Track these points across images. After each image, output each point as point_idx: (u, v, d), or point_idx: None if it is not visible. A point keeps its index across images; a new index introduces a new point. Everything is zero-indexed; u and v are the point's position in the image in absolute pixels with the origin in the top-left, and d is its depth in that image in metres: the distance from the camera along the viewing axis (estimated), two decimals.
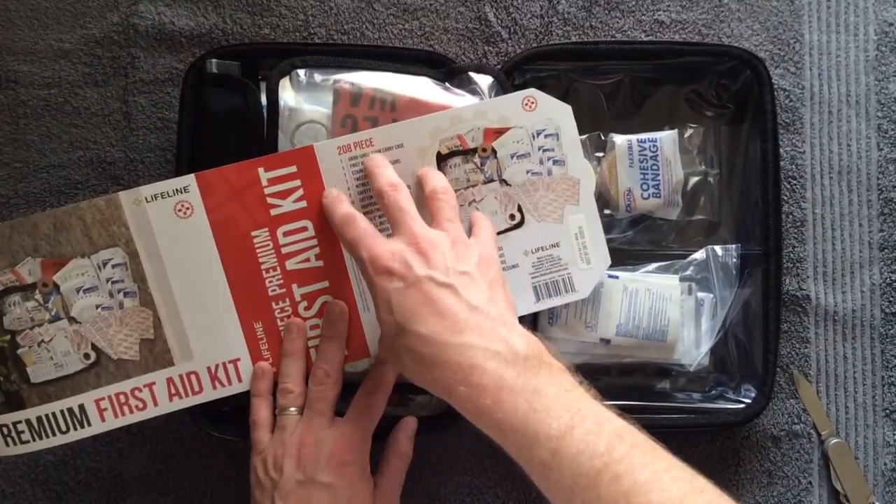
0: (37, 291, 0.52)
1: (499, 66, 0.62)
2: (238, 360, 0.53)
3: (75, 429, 0.52)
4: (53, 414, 0.52)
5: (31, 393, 0.52)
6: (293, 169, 0.53)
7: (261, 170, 0.52)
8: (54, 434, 0.52)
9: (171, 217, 0.52)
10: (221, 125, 0.58)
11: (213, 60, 0.59)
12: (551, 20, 0.65)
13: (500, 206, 0.55)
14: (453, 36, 0.64)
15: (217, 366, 0.53)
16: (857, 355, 0.65)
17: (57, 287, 0.52)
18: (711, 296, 0.61)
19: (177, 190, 0.52)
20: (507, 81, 0.59)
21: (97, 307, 0.52)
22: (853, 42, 0.66)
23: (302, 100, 0.56)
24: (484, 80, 0.59)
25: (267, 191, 0.52)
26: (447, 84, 0.58)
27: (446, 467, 0.63)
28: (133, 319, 0.52)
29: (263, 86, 0.57)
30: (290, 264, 0.53)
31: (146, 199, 0.52)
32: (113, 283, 0.52)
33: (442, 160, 0.54)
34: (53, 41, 0.64)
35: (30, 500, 0.63)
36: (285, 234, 0.53)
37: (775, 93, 0.61)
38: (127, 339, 0.52)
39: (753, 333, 0.61)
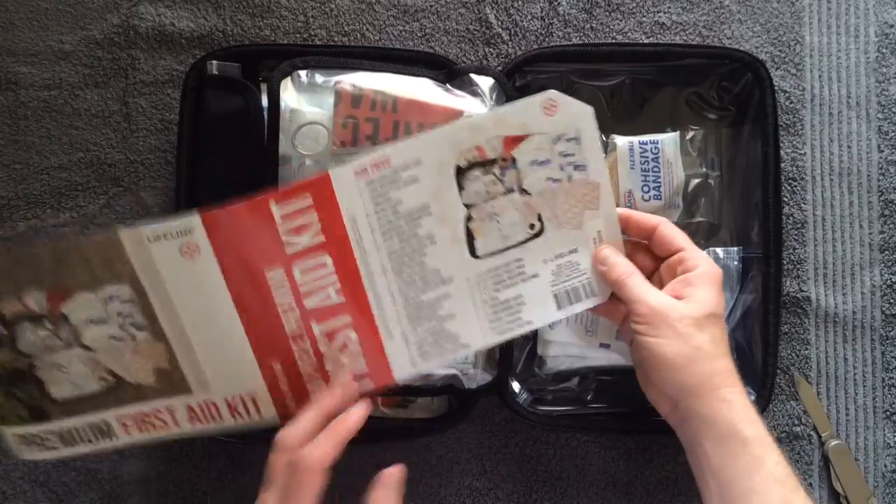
0: (46, 321, 0.49)
1: (499, 68, 0.62)
2: (255, 394, 0.51)
3: (101, 441, 0.51)
4: (77, 428, 0.51)
5: (53, 408, 0.50)
6: (308, 202, 0.49)
7: (273, 204, 0.49)
8: (82, 442, 0.51)
9: (176, 258, 0.48)
10: (222, 127, 0.57)
11: (214, 62, 0.59)
12: (552, 22, 0.65)
13: (520, 217, 0.52)
14: (454, 37, 0.64)
15: (234, 397, 0.51)
16: (857, 357, 0.65)
17: (66, 317, 0.49)
18: None
19: (180, 232, 0.48)
20: (508, 83, 0.59)
21: (109, 337, 0.50)
22: (854, 44, 0.66)
23: (303, 101, 0.56)
24: (485, 82, 0.59)
25: (281, 228, 0.49)
26: (448, 85, 0.58)
27: (447, 469, 0.63)
28: (147, 351, 0.50)
29: (264, 87, 0.57)
30: (309, 303, 0.50)
31: (148, 238, 0.48)
32: (123, 317, 0.49)
33: (461, 174, 0.51)
34: (54, 42, 0.63)
35: (30, 502, 0.63)
36: (303, 272, 0.50)
37: (776, 95, 0.61)
38: (143, 368, 0.50)
39: (754, 335, 0.61)
